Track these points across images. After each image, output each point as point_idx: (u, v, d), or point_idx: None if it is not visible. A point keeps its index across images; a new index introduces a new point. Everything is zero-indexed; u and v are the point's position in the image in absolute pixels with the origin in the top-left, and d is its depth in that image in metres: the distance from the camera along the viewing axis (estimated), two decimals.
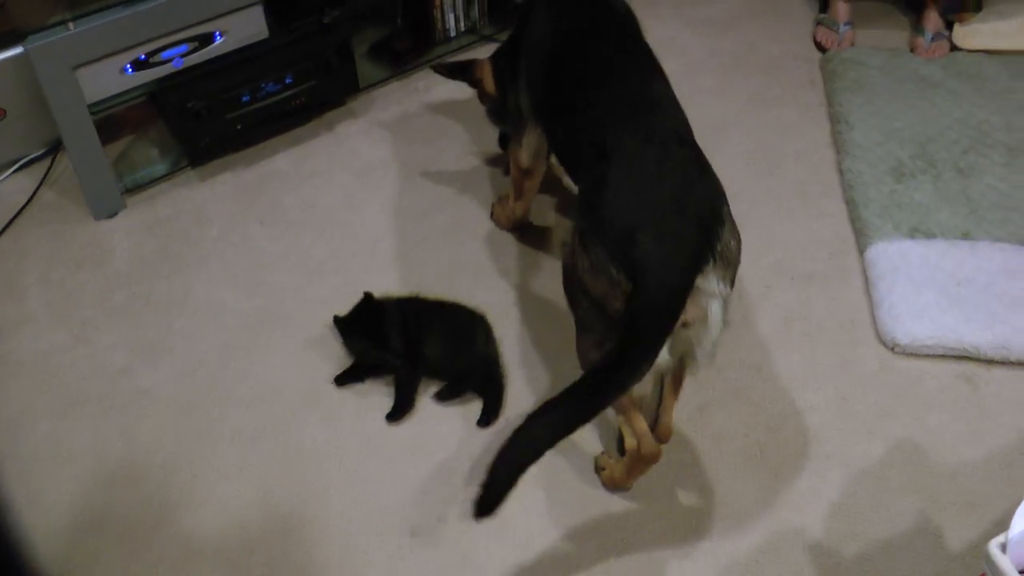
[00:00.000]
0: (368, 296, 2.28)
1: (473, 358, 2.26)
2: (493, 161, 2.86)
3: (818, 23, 3.34)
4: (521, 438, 1.70)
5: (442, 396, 2.23)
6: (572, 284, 1.88)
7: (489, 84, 2.58)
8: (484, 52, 3.27)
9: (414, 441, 2.15)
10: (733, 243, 1.83)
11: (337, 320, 2.27)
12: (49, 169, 2.89)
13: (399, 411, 2.20)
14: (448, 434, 2.16)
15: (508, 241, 2.61)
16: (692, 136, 1.96)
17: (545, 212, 2.68)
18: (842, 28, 3.25)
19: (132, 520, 2.02)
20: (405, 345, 2.23)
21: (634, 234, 1.72)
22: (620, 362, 1.70)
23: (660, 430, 2.06)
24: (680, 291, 1.71)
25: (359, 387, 2.25)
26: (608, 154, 1.85)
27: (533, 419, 1.71)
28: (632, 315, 1.71)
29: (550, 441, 1.70)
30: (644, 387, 1.99)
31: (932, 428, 2.14)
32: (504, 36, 3.31)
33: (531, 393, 2.23)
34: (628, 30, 2.25)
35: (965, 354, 2.26)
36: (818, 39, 3.29)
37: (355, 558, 1.94)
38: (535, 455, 1.69)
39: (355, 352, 2.29)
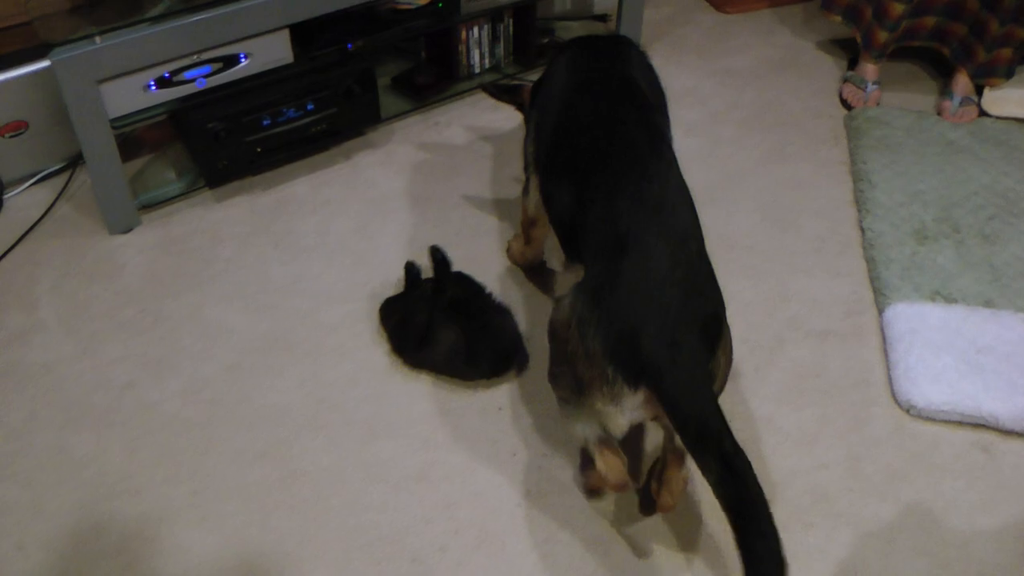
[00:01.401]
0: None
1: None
2: (510, 199, 2.84)
3: (845, 80, 3.34)
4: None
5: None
6: (559, 352, 1.85)
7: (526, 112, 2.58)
8: None
9: (419, 470, 2.12)
10: (723, 359, 1.80)
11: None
12: (67, 183, 2.89)
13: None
14: (455, 464, 2.13)
15: (521, 281, 2.59)
16: (701, 233, 1.92)
17: (558, 254, 2.66)
18: (869, 87, 3.25)
19: (130, 532, 2.00)
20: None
21: (639, 338, 1.70)
22: (727, 472, 1.67)
23: (660, 502, 2.00)
24: (701, 370, 1.72)
25: (363, 415, 2.23)
26: (626, 248, 1.80)
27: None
28: (683, 427, 1.68)
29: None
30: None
31: (945, 494, 2.10)
32: (529, 76, 3.33)
33: (538, 434, 2.21)
34: (646, 98, 2.20)
35: (982, 422, 2.22)
36: (844, 96, 3.29)
37: None
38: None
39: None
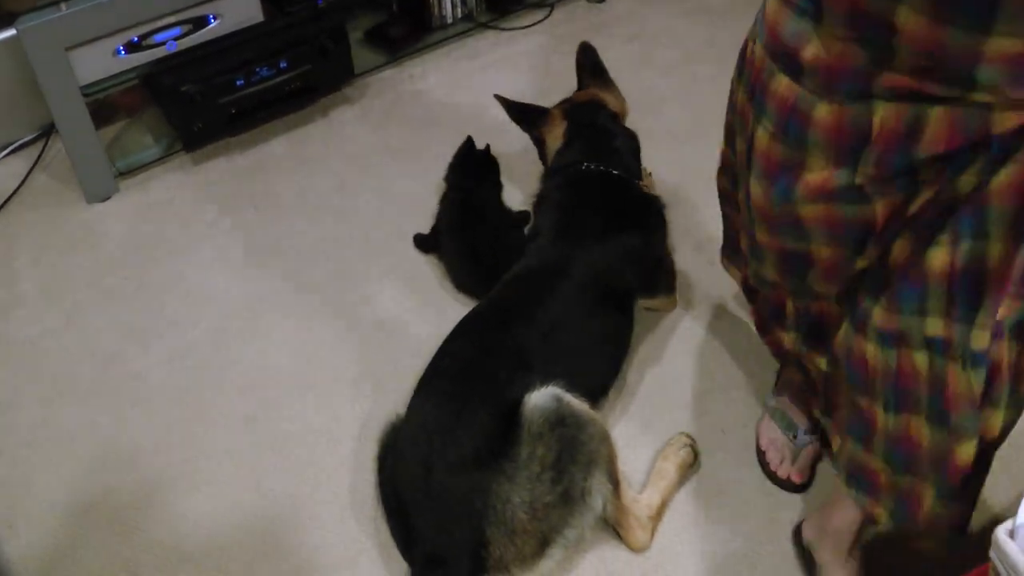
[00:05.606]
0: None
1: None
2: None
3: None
4: None
5: None
6: None
7: (549, 149, 2.42)
8: (481, 40, 3.26)
9: None
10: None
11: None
12: (42, 153, 2.86)
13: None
14: None
15: None
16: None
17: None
18: None
19: (123, 503, 2.00)
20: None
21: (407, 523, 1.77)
22: None
23: None
24: None
25: (352, 373, 2.23)
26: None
27: None
28: None
29: None
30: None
31: None
32: (503, 24, 3.30)
33: None
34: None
35: None
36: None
37: (348, 544, 1.91)
38: None
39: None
